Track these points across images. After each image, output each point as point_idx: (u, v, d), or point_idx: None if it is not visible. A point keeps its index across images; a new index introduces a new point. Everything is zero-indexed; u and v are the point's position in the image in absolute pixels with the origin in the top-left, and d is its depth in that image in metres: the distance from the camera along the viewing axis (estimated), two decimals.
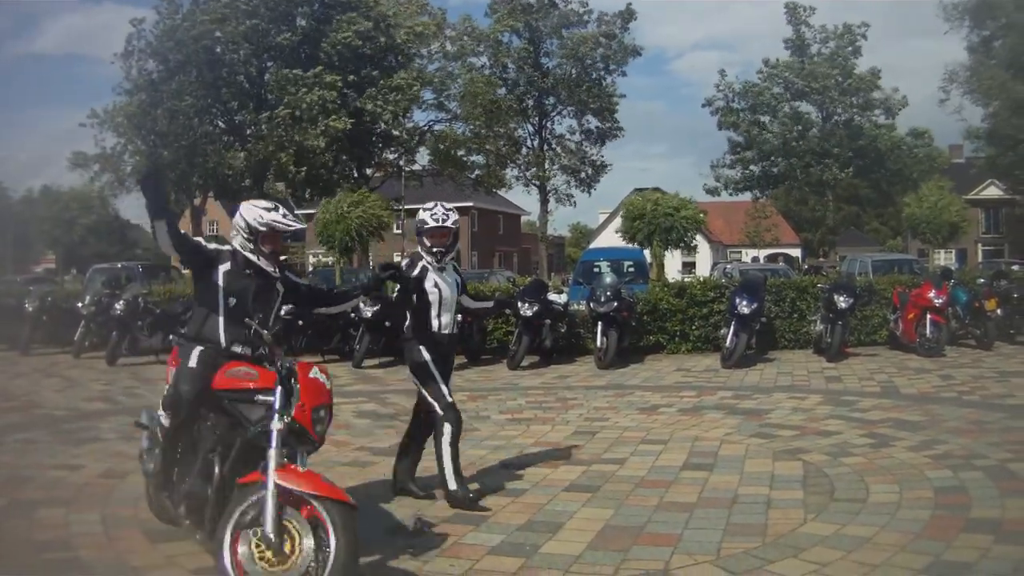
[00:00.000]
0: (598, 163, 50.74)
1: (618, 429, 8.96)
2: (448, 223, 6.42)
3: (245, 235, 5.12)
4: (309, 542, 4.30)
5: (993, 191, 59.82)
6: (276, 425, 4.51)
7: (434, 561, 5.14)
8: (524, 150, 49.73)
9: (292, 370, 4.71)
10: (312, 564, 4.28)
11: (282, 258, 5.31)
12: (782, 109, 53.21)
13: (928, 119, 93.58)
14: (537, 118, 50.66)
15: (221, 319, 5.06)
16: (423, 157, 44.08)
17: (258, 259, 5.13)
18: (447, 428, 6.27)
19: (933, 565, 4.81)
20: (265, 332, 4.94)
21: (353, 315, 14.27)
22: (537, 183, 49.81)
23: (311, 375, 4.77)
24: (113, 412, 10.55)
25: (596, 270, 21.48)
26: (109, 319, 16.13)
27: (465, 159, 43.26)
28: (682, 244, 27.71)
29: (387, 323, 14.62)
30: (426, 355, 6.34)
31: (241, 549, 4.36)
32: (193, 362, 4.97)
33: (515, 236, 77.57)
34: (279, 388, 4.62)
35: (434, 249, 6.40)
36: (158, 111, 36.23)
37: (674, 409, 10.08)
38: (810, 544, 5.20)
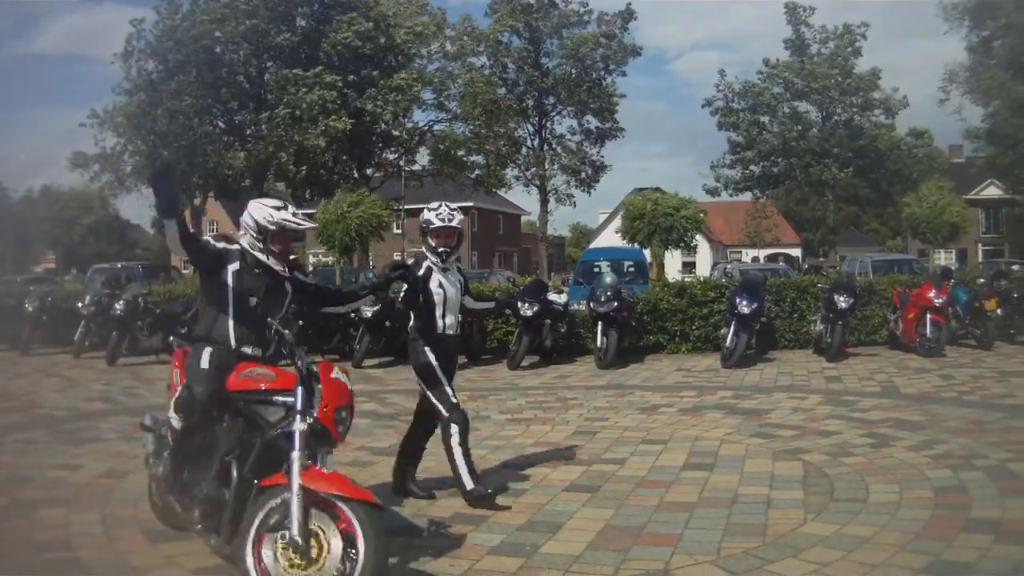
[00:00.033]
0: (598, 163, 50.74)
1: (618, 429, 8.96)
2: (454, 223, 6.41)
3: (254, 234, 5.05)
4: (337, 544, 4.23)
5: (993, 191, 59.84)
6: (299, 426, 4.43)
7: (434, 561, 5.13)
8: (524, 150, 49.72)
9: (313, 371, 4.63)
10: (340, 567, 4.21)
11: (291, 257, 5.26)
12: (782, 109, 53.18)
13: (928, 119, 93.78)
14: (537, 118, 50.64)
15: (230, 320, 5.01)
16: (423, 157, 44.12)
17: (267, 259, 5.06)
18: (454, 429, 6.25)
19: (933, 565, 4.81)
20: (287, 332, 4.81)
21: (353, 315, 14.25)
22: (537, 183, 49.80)
23: (333, 375, 4.70)
24: (113, 412, 10.56)
25: (596, 270, 21.48)
26: (109, 319, 16.13)
27: (465, 159, 43.26)
28: (682, 244, 27.72)
29: (387, 323, 14.63)
30: (431, 356, 6.31)
31: (265, 553, 4.30)
32: (205, 363, 4.89)
33: (515, 236, 77.57)
34: (300, 389, 4.53)
35: (439, 249, 6.39)
36: (158, 111, 36.24)
37: (674, 409, 10.08)
38: (810, 544, 5.20)
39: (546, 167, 49.70)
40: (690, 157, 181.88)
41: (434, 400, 6.32)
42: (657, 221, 26.07)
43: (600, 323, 14.23)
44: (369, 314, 14.25)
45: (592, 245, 56.08)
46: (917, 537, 5.25)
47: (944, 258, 47.92)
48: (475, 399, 10.97)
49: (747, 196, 59.15)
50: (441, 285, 6.36)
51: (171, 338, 6.15)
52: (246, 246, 5.08)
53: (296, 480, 4.26)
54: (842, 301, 14.03)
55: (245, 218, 5.09)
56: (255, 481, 4.56)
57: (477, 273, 33.57)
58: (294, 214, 5.10)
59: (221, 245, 5.15)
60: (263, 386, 4.76)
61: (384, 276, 6.15)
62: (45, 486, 6.82)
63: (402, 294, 6.28)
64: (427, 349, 6.33)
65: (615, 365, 14.03)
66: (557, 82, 49.32)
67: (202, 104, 37.00)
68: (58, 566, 5.11)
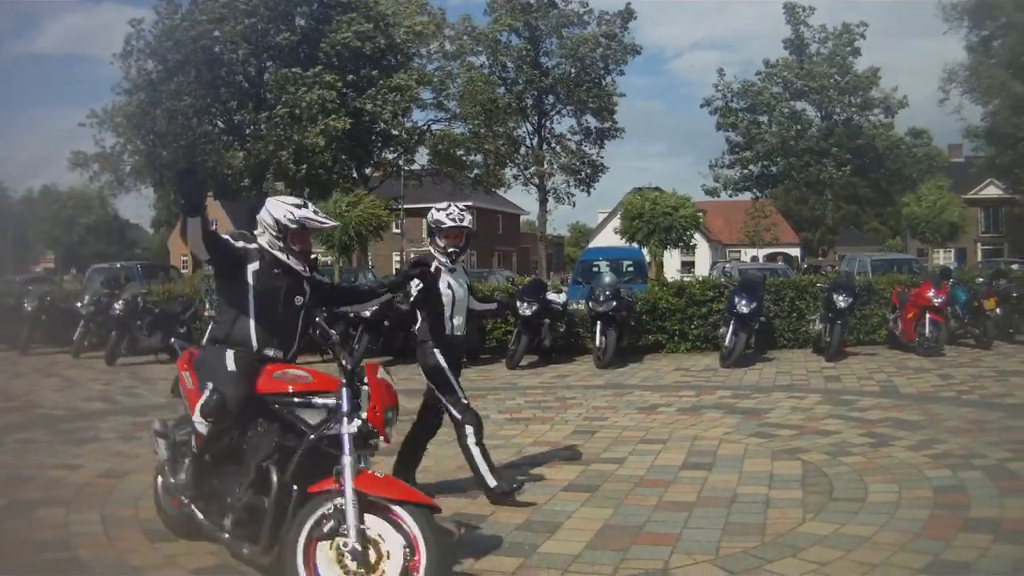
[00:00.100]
0: (597, 163, 50.73)
1: (617, 428, 8.96)
2: (464, 222, 6.36)
3: (274, 233, 4.92)
4: (397, 550, 4.15)
5: (992, 190, 59.84)
6: (349, 429, 4.32)
7: None
8: (523, 149, 49.71)
9: (358, 372, 4.53)
10: (402, 571, 4.13)
11: (312, 256, 5.18)
12: (780, 109, 53.14)
13: (928, 119, 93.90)
14: (536, 117, 50.63)
15: (252, 321, 4.88)
16: (422, 157, 44.10)
17: (288, 258, 4.95)
18: (469, 430, 6.25)
19: (932, 564, 4.81)
20: (333, 332, 4.73)
21: (352, 315, 14.25)
22: (536, 182, 49.79)
23: (379, 375, 4.61)
24: (112, 412, 10.56)
25: (595, 269, 21.52)
26: (108, 319, 16.14)
27: (464, 159, 43.24)
28: (681, 243, 27.69)
29: (386, 323, 14.62)
30: (441, 358, 6.27)
31: (320, 561, 4.21)
32: (231, 365, 4.76)
33: (514, 235, 77.56)
34: (346, 390, 4.42)
35: (449, 249, 6.34)
36: (157, 111, 36.20)
37: (673, 408, 10.08)
38: (809, 543, 5.20)
39: (545, 166, 49.70)
40: (689, 157, 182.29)
41: (445, 403, 6.30)
42: (656, 221, 26.02)
43: (599, 323, 14.24)
44: (368, 314, 14.25)
45: (591, 245, 56.08)
46: (916, 537, 5.26)
47: (943, 257, 47.91)
48: (474, 399, 10.86)
49: (746, 196, 59.13)
50: (450, 286, 6.31)
51: (172, 340, 6.09)
52: (265, 245, 4.96)
53: (350, 485, 4.16)
54: (841, 300, 14.04)
55: (263, 216, 4.98)
56: (294, 487, 4.43)
57: (476, 273, 33.51)
58: (316, 212, 5.02)
59: (240, 244, 5.00)
60: (294, 388, 4.66)
61: (403, 273, 5.96)
62: (45, 486, 6.82)
63: (414, 293, 6.20)
64: (437, 351, 6.28)
65: (614, 365, 14.04)
66: (556, 81, 49.29)
67: (201, 104, 36.95)
68: (58, 566, 5.11)
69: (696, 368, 13.81)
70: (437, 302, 6.29)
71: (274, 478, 4.51)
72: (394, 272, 55.49)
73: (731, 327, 13.88)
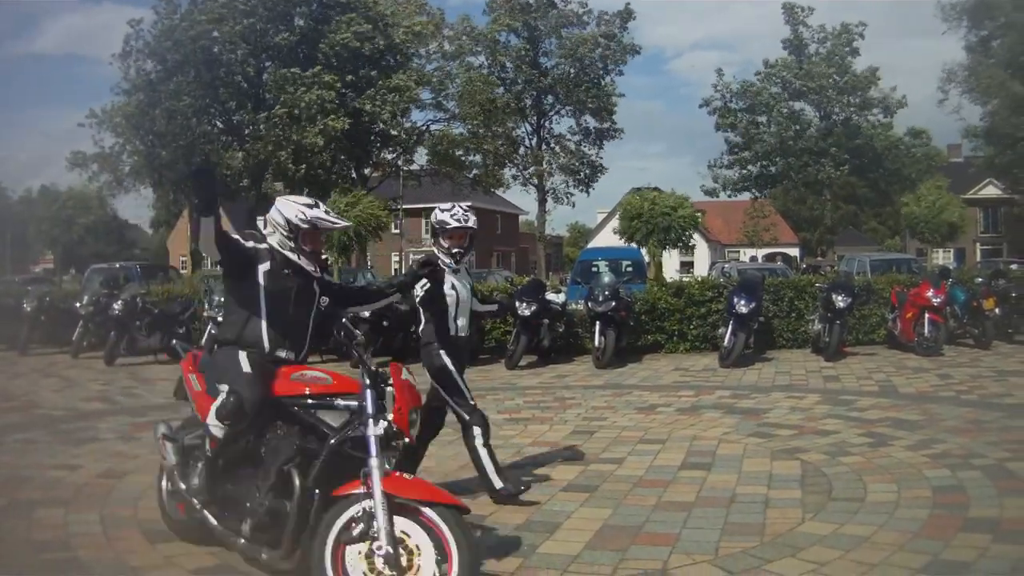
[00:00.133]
0: (596, 164, 50.75)
1: (616, 429, 8.96)
2: (469, 223, 6.34)
3: (284, 233, 4.86)
4: (429, 552, 4.11)
5: (991, 190, 59.88)
6: (375, 431, 4.25)
7: None
8: (522, 149, 49.72)
9: (383, 373, 4.48)
10: (435, 573, 4.09)
11: (324, 257, 5.11)
12: (779, 109, 53.14)
13: (928, 119, 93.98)
14: (535, 117, 50.65)
15: (263, 322, 4.81)
16: (421, 157, 44.13)
17: (299, 258, 4.88)
18: (477, 431, 6.25)
19: (931, 564, 4.81)
20: (358, 333, 4.62)
21: (350, 315, 14.19)
22: (535, 183, 49.81)
23: (403, 377, 4.55)
24: (111, 412, 10.56)
25: (594, 270, 21.53)
26: (107, 319, 16.14)
27: (463, 159, 43.26)
28: (680, 244, 27.70)
29: (384, 322, 14.60)
30: (447, 360, 6.25)
31: (349, 565, 4.15)
32: (246, 366, 4.68)
33: (513, 236, 77.49)
34: (371, 391, 4.34)
35: (453, 250, 6.31)
36: (156, 111, 36.22)
37: (672, 408, 10.08)
38: (808, 543, 5.20)
39: (544, 166, 49.71)
40: (688, 157, 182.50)
41: (453, 404, 6.30)
42: (655, 221, 26.03)
43: (598, 323, 14.25)
44: (366, 314, 14.21)
45: (590, 245, 56.10)
46: (915, 536, 5.26)
47: (942, 257, 47.97)
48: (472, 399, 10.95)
49: (745, 196, 59.14)
50: (454, 287, 6.29)
51: (174, 342, 6.04)
52: (276, 245, 4.90)
53: (379, 487, 4.10)
54: (840, 300, 14.05)
55: (273, 216, 4.92)
56: (315, 490, 4.37)
57: (475, 273, 33.49)
58: (327, 212, 4.97)
59: (251, 244, 4.95)
60: (313, 390, 4.60)
61: (412, 273, 5.80)
62: (44, 486, 6.82)
63: (421, 294, 6.13)
64: (443, 352, 6.25)
65: (613, 365, 14.04)
66: (555, 81, 49.31)
67: (200, 104, 36.98)
68: (57, 566, 5.11)
69: (695, 368, 13.81)
70: (442, 303, 6.26)
71: (296, 481, 4.43)
72: (392, 272, 55.55)
73: (730, 327, 13.88)
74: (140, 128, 36.76)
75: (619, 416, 9.70)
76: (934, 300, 14.37)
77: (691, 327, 15.83)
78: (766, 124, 53.81)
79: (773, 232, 64.31)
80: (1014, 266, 29.73)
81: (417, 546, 4.13)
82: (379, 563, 4.09)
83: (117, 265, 29.51)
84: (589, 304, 14.51)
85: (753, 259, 51.99)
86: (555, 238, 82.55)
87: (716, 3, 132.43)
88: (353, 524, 4.15)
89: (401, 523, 4.13)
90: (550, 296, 15.28)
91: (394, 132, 40.01)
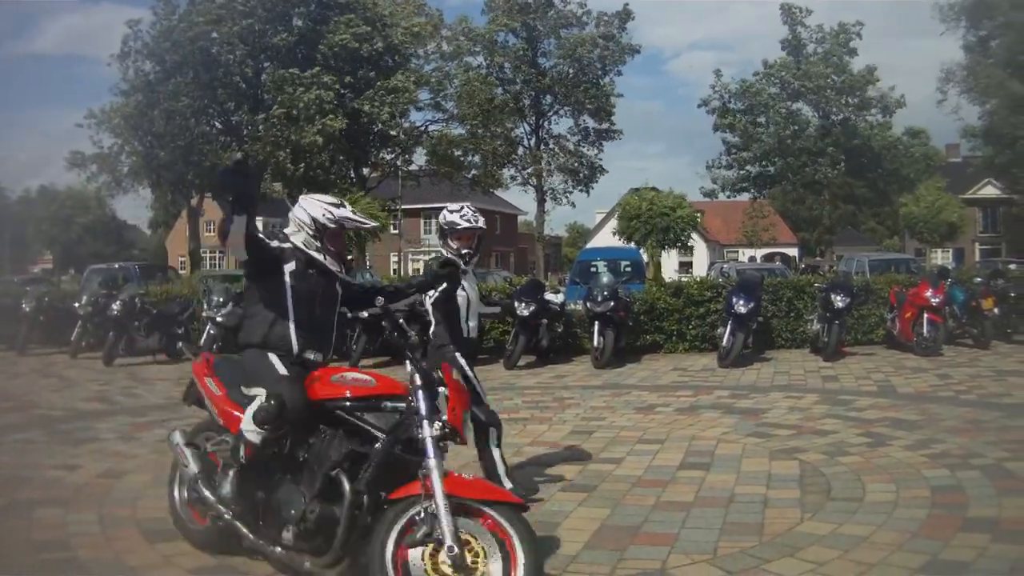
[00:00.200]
0: (596, 164, 50.78)
1: (615, 429, 8.96)
2: (479, 224, 6.30)
3: (310, 232, 4.78)
4: (493, 553, 4.04)
5: (990, 190, 59.96)
6: (431, 432, 4.15)
7: None
8: (521, 150, 49.75)
9: (435, 374, 4.40)
10: (500, 573, 4.02)
11: (349, 258, 5.04)
12: (777, 109, 53.15)
13: (927, 119, 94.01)
14: (534, 117, 50.67)
15: (292, 324, 4.71)
16: (420, 157, 44.16)
17: (324, 258, 4.80)
18: (492, 432, 6.23)
19: (930, 564, 4.81)
20: (411, 333, 4.53)
21: (349, 314, 14.18)
22: (534, 183, 49.82)
23: (454, 376, 4.49)
24: (110, 412, 10.55)
25: (593, 270, 21.54)
26: (106, 319, 16.12)
27: (462, 159, 43.28)
28: (678, 244, 27.75)
29: (383, 322, 14.56)
30: (463, 361, 6.15)
31: (412, 568, 4.07)
32: (282, 369, 4.59)
33: (512, 236, 77.50)
34: (423, 392, 4.24)
35: (462, 251, 6.25)
36: (155, 112, 36.28)
37: (671, 408, 10.07)
38: (807, 543, 5.20)
39: (543, 165, 49.73)
40: (687, 157, 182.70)
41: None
42: (653, 221, 26.11)
43: (597, 323, 14.24)
44: (365, 314, 14.20)
45: (589, 245, 56.14)
46: (914, 536, 5.25)
47: (941, 257, 48.04)
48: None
49: (744, 196, 59.17)
50: (463, 288, 6.22)
51: (180, 344, 5.95)
52: (300, 244, 4.81)
53: (441, 488, 4.01)
54: (839, 300, 14.05)
55: (298, 214, 4.83)
56: (365, 495, 4.27)
57: (478, 273, 33.58)
58: (353, 212, 4.91)
59: (275, 244, 4.84)
60: (356, 392, 4.49)
61: (432, 273, 5.56)
62: (43, 486, 6.81)
63: (436, 295, 6.01)
64: (458, 355, 6.17)
65: (612, 365, 14.03)
66: (554, 82, 49.35)
67: (199, 104, 37.02)
68: (56, 566, 5.10)
69: (694, 368, 13.81)
70: (453, 304, 6.22)
71: (346, 487, 4.30)
72: (391, 272, 55.53)
73: (729, 327, 13.87)
74: (139, 128, 36.81)
75: (618, 416, 9.69)
76: (933, 300, 14.37)
77: (690, 327, 15.83)
78: (764, 124, 53.82)
79: (772, 232, 64.44)
80: (1013, 266, 29.71)
81: (482, 547, 4.08)
82: (443, 565, 4.03)
83: (116, 265, 29.54)
84: (588, 304, 14.51)
85: (752, 259, 52.10)
86: (554, 238, 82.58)
87: (715, 4, 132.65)
88: (414, 526, 4.08)
89: (464, 524, 4.06)
90: (549, 296, 15.27)
91: (393, 132, 40.05)
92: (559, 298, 15.70)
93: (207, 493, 4.81)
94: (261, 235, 4.72)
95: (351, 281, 5.23)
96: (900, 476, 6.59)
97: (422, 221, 66.79)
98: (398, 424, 4.34)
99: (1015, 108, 42.70)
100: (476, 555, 4.06)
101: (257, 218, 4.57)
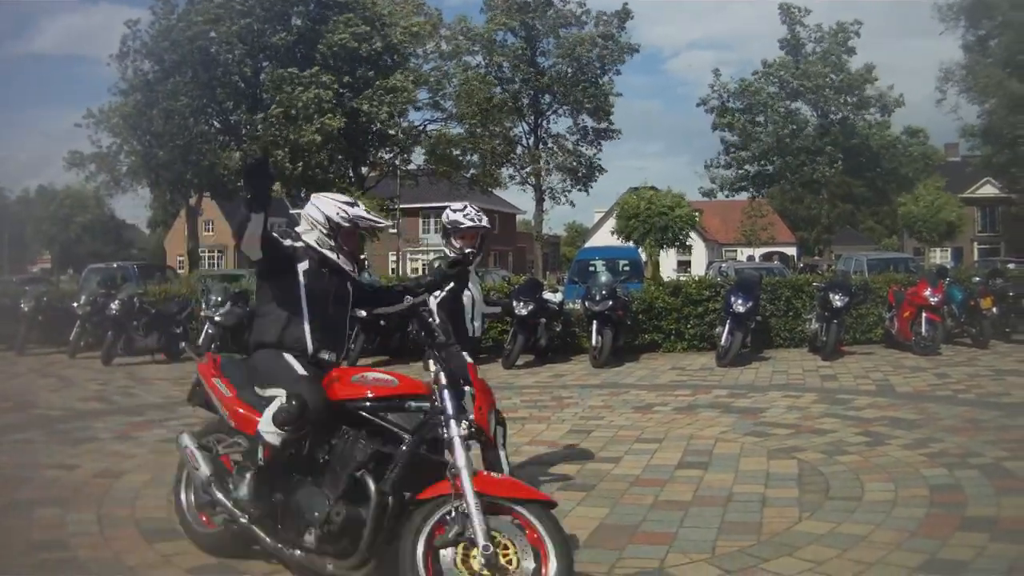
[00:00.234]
0: (595, 164, 50.78)
1: (613, 428, 8.96)
2: (483, 223, 6.24)
3: (324, 231, 4.73)
4: (526, 551, 3.99)
5: (989, 189, 59.97)
6: (459, 432, 4.09)
7: None
8: (519, 149, 49.75)
9: (461, 373, 4.33)
10: (533, 571, 3.97)
11: (362, 257, 5.00)
12: (775, 108, 53.13)
13: (926, 119, 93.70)
14: (533, 116, 50.67)
15: (306, 323, 4.67)
16: (418, 156, 44.15)
17: (337, 257, 4.75)
18: (497, 431, 6.22)
19: (928, 563, 4.81)
20: (439, 332, 4.45)
21: (363, 314, 14.16)
22: (532, 182, 49.83)
23: (479, 376, 4.45)
24: (109, 412, 10.53)
25: (591, 269, 21.56)
26: (104, 319, 16.10)
27: (460, 158, 43.28)
28: (677, 243, 27.75)
29: (382, 322, 14.59)
30: (471, 360, 6.07)
31: (445, 569, 4.04)
32: (300, 369, 4.53)
33: (510, 235, 77.51)
34: (448, 392, 4.19)
35: (466, 251, 6.16)
36: (153, 111, 36.27)
37: (669, 408, 10.07)
38: (805, 542, 5.20)
39: (541, 165, 49.74)
40: (686, 156, 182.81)
41: None
42: (652, 220, 26.10)
43: (595, 322, 14.24)
44: (364, 313, 14.19)
45: (587, 244, 56.18)
46: (912, 535, 5.26)
47: (940, 257, 48.05)
48: None
49: (743, 195, 59.18)
50: (468, 288, 6.15)
51: (183, 344, 5.88)
52: (313, 243, 4.76)
53: (471, 487, 3.96)
54: (837, 300, 14.05)
55: (311, 212, 4.78)
56: (390, 495, 4.21)
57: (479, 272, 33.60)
58: (367, 211, 4.87)
59: (288, 243, 4.80)
60: (377, 392, 4.42)
61: (441, 272, 5.50)
62: (41, 486, 6.80)
63: (443, 295, 5.93)
64: (465, 354, 6.07)
65: (610, 364, 14.03)
66: (553, 81, 49.34)
67: (197, 104, 37.02)
68: (54, 566, 5.10)
69: (692, 367, 13.81)
70: (459, 304, 6.19)
71: (372, 488, 4.23)
72: (390, 272, 55.51)
73: (727, 326, 13.87)
74: (137, 128, 36.80)
75: (616, 415, 9.69)
76: (931, 299, 14.38)
77: (688, 326, 15.83)
78: (763, 124, 53.83)
79: (770, 231, 64.48)
80: (1011, 265, 29.72)
81: (513, 546, 4.04)
82: (476, 564, 3.99)
83: (114, 265, 29.56)
84: (586, 303, 14.51)
85: (750, 258, 52.10)
86: (552, 237, 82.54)
87: (713, 3, 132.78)
88: (445, 526, 4.04)
89: (495, 523, 4.03)
90: (547, 295, 15.25)
91: (391, 132, 40.05)
92: (557, 297, 15.69)
93: (221, 496, 4.73)
94: (275, 234, 4.70)
95: (361, 281, 5.20)
96: (898, 475, 6.59)
97: (420, 221, 66.87)
98: (423, 424, 4.29)
99: (1014, 107, 42.72)
100: (509, 554, 4.03)
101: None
